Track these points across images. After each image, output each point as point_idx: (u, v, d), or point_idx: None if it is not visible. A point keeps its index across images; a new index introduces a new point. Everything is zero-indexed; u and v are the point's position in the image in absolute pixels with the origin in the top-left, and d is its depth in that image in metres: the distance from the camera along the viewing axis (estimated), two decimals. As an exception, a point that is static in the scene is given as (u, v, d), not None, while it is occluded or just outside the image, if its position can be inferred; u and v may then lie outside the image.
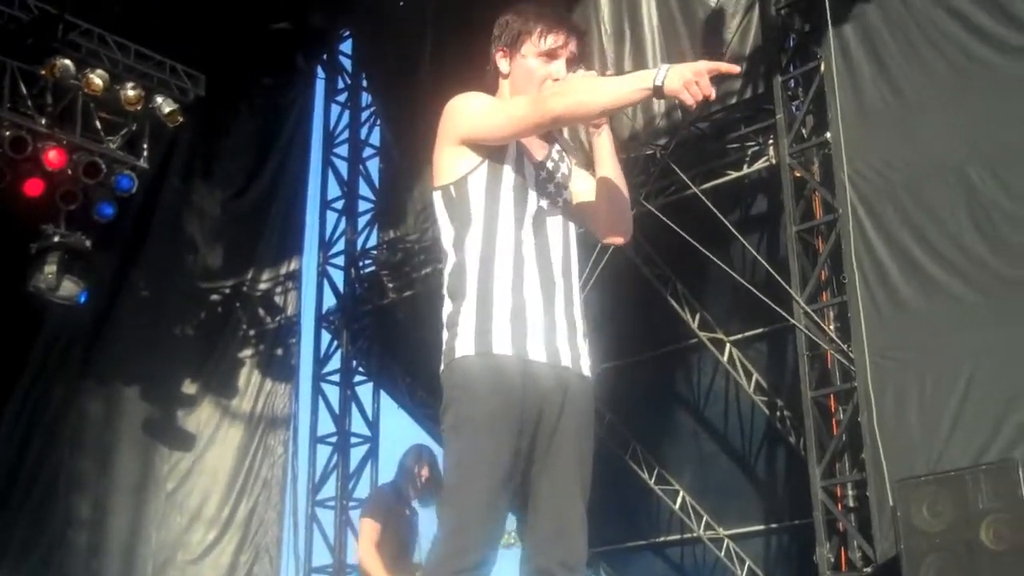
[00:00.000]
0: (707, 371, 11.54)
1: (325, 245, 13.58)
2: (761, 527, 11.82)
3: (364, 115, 13.78)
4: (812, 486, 9.05)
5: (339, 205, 13.69)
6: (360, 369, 13.33)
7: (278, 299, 13.09)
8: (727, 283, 10.22)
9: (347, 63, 13.97)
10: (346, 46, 13.95)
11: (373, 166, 13.62)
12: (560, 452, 3.23)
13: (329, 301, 13.47)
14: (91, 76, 9.57)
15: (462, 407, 3.18)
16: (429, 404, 12.28)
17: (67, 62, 9.45)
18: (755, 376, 11.06)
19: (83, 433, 11.71)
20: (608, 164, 3.52)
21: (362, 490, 12.79)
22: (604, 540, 12.32)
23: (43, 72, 9.45)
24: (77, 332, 11.62)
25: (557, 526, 3.21)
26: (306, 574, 12.62)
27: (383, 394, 13.33)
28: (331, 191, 13.72)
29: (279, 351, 13.03)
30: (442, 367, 3.27)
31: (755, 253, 9.99)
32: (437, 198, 3.40)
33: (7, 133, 9.31)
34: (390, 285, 12.39)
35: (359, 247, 13.44)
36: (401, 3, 11.98)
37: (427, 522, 7.55)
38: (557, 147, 3.51)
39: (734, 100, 9.89)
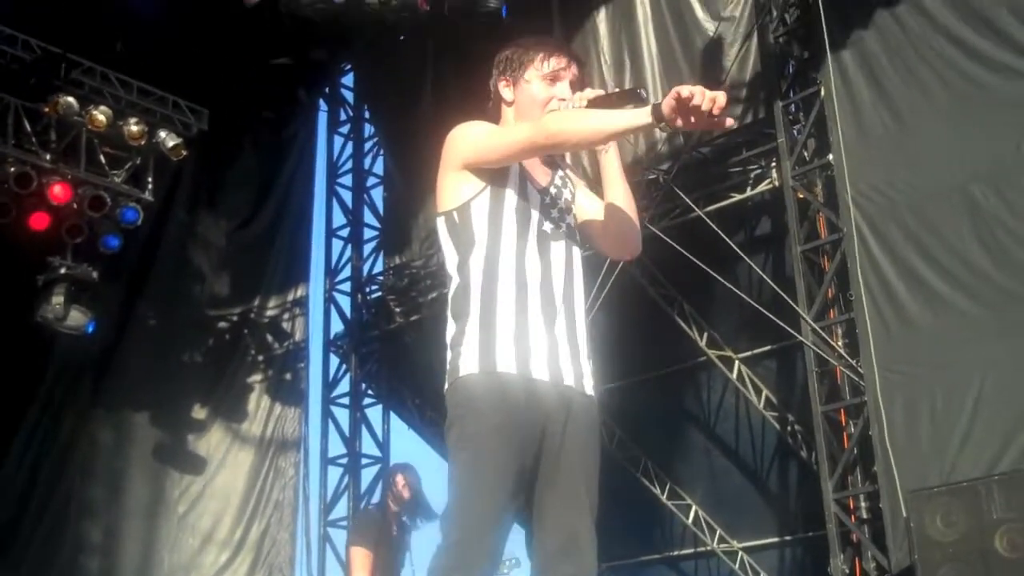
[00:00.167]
0: (716, 388, 11.59)
1: (331, 272, 13.67)
2: (775, 539, 11.85)
3: (367, 145, 13.88)
4: (825, 499, 9.10)
5: (344, 233, 13.78)
6: (369, 392, 13.39)
7: (286, 325, 13.13)
8: (733, 302, 10.27)
9: (349, 95, 14.09)
10: (347, 79, 14.06)
11: (377, 194, 13.76)
12: (566, 469, 3.24)
13: (336, 326, 13.57)
14: (94, 112, 9.64)
15: (466, 424, 3.20)
16: (438, 424, 12.30)
17: (70, 99, 9.52)
18: (765, 392, 11.11)
19: (94, 460, 11.74)
20: (615, 182, 3.56)
21: (374, 511, 12.82)
22: (617, 555, 12.36)
23: (47, 109, 9.53)
24: (86, 362, 11.65)
25: (566, 542, 3.20)
26: (319, 593, 12.66)
27: (392, 415, 13.39)
28: (336, 219, 13.84)
29: (288, 376, 13.07)
30: (446, 386, 3.29)
31: (761, 273, 10.04)
32: (441, 224, 3.44)
33: (12, 169, 9.37)
34: (397, 310, 12.44)
35: (365, 273, 13.51)
36: (401, 37, 12.01)
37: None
38: (560, 173, 3.54)
39: (735, 125, 9.92)
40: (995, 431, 8.11)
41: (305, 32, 10.77)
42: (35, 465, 11.37)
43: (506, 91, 3.52)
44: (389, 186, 13.41)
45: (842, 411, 9.30)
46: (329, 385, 13.44)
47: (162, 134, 9.99)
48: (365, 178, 13.82)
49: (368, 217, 13.71)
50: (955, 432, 8.29)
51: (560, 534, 3.22)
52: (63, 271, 9.80)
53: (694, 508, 12.07)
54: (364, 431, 13.30)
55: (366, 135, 13.90)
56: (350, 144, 13.98)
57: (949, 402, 8.36)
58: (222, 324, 12.83)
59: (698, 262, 9.81)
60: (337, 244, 13.76)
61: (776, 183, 9.89)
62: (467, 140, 3.39)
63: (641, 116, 3.12)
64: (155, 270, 12.17)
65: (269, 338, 13.04)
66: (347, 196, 13.88)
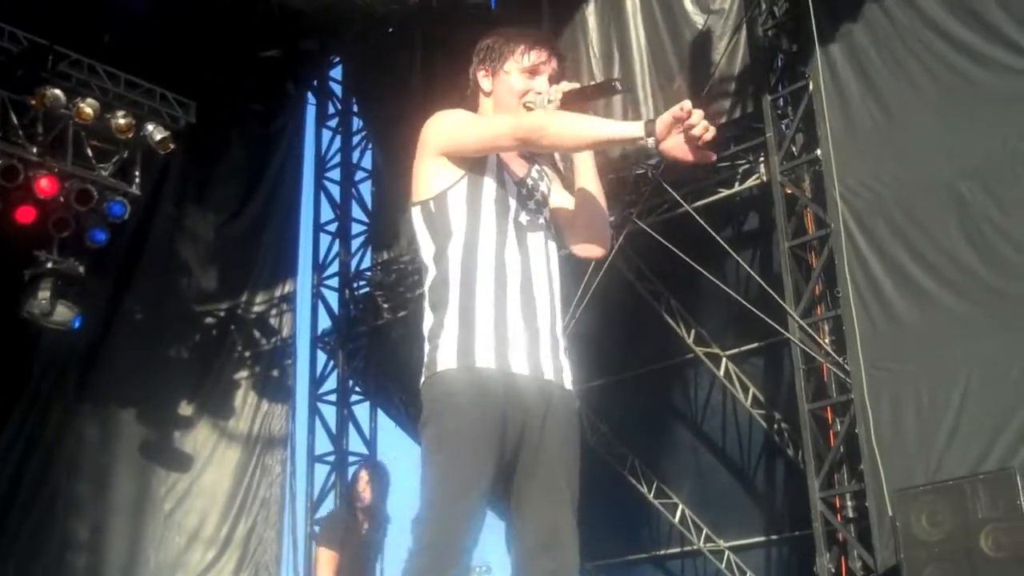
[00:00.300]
0: (704, 385, 11.59)
1: (319, 267, 13.63)
2: (761, 538, 11.86)
3: (355, 139, 13.82)
4: (811, 497, 9.10)
5: (332, 228, 13.73)
6: (357, 388, 13.35)
7: (273, 321, 13.10)
8: (721, 299, 10.26)
9: (337, 89, 14.03)
10: (336, 72, 14.03)
11: (365, 189, 13.69)
12: (546, 463, 3.22)
13: (324, 322, 13.52)
14: (82, 105, 9.58)
15: (443, 421, 3.16)
16: (426, 421, 12.30)
17: (57, 92, 9.46)
18: (752, 390, 11.11)
19: (80, 456, 11.68)
20: (588, 180, 3.56)
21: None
22: (604, 554, 12.34)
23: (33, 102, 9.47)
24: (72, 357, 11.61)
25: (547, 537, 3.19)
26: (306, 591, 12.62)
27: (380, 412, 13.36)
28: (324, 214, 13.78)
29: (275, 372, 13.04)
30: (423, 380, 3.26)
31: (748, 269, 10.04)
32: (416, 213, 3.41)
33: (-1, 162, 9.30)
34: (384, 305, 12.41)
35: (353, 269, 13.47)
36: (390, 29, 12.00)
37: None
38: (537, 167, 3.53)
39: (723, 119, 9.93)
40: (981, 429, 8.10)
41: (294, 24, 10.79)
42: (21, 461, 11.32)
43: (485, 81, 3.51)
44: (377, 181, 13.35)
45: (828, 409, 9.30)
46: (316, 382, 13.39)
47: (149, 127, 9.94)
48: (353, 172, 13.77)
49: (356, 212, 13.66)
50: (941, 430, 8.28)
51: (541, 529, 3.20)
52: (49, 265, 9.76)
53: (680, 507, 12.07)
54: (351, 428, 13.26)
55: (354, 129, 13.85)
56: (338, 138, 13.92)
57: (935, 399, 8.36)
58: (209, 319, 12.79)
59: (686, 258, 9.80)
60: (325, 239, 13.73)
61: (764, 178, 9.89)
62: (445, 128, 3.37)
63: (632, 128, 3.12)
64: (142, 264, 12.12)
65: (256, 334, 13.00)
66: (335, 190, 13.84)
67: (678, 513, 12.06)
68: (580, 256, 3.63)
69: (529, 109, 3.42)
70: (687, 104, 3.00)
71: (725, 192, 10.30)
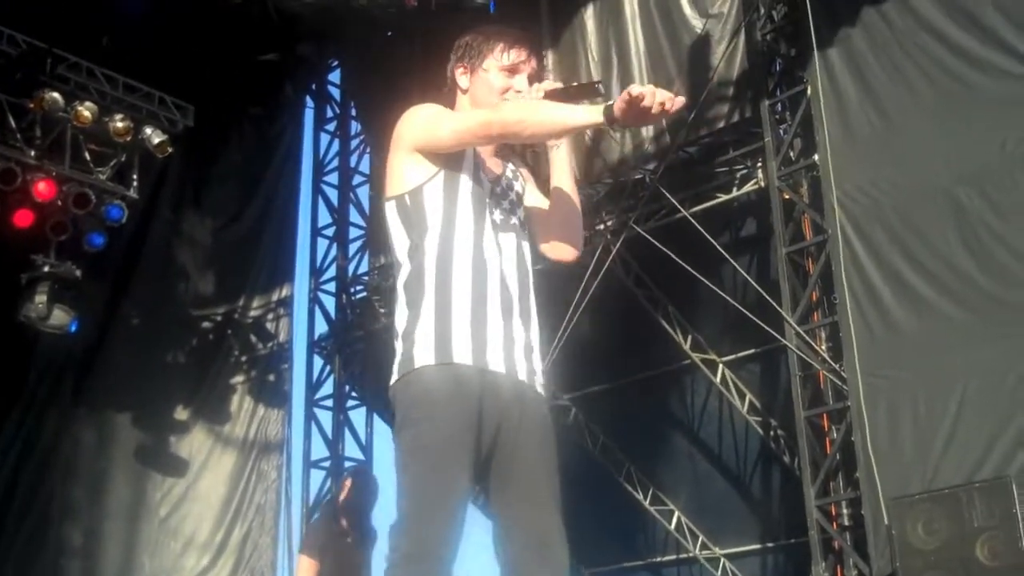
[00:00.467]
0: (700, 392, 11.58)
1: (316, 272, 13.61)
2: (757, 546, 11.85)
3: (353, 143, 13.80)
4: (807, 505, 9.09)
5: (330, 232, 13.72)
6: (353, 394, 13.32)
7: (270, 326, 13.08)
8: (718, 304, 10.26)
9: (336, 92, 14.02)
10: (335, 76, 14.02)
11: (363, 193, 13.67)
12: (524, 466, 3.19)
13: (321, 327, 13.51)
14: (80, 108, 9.58)
15: (421, 429, 3.11)
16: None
17: (55, 95, 9.46)
18: (748, 396, 11.10)
19: (76, 461, 11.66)
20: (563, 180, 3.54)
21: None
22: (600, 561, 12.34)
23: (32, 105, 9.46)
24: (69, 361, 11.59)
25: (536, 541, 3.15)
26: (301, 597, 12.57)
27: (376, 418, 13.32)
28: (322, 218, 13.77)
29: (271, 377, 13.02)
30: (396, 378, 3.21)
31: (746, 275, 10.03)
32: (391, 208, 3.37)
33: (-4, 165, 9.30)
34: (382, 310, 12.37)
35: (350, 273, 13.45)
36: (389, 33, 11.99)
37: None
38: (511, 166, 3.52)
39: (722, 124, 9.94)
40: (978, 437, 8.09)
41: (292, 28, 10.78)
42: (17, 465, 11.30)
43: (462, 78, 3.48)
44: (375, 185, 13.26)
45: (825, 416, 9.29)
46: (313, 387, 13.37)
47: (148, 130, 9.94)
48: (351, 176, 13.75)
49: (354, 216, 13.63)
50: (938, 437, 8.27)
51: (529, 534, 3.16)
52: (46, 269, 9.74)
53: (677, 514, 12.05)
54: (347, 434, 13.23)
55: (353, 133, 13.83)
56: (336, 142, 13.91)
57: (932, 407, 8.35)
58: (206, 324, 12.78)
59: (683, 263, 9.79)
60: (322, 243, 13.71)
61: (762, 183, 9.88)
62: (419, 122, 3.34)
63: (594, 114, 3.11)
64: (139, 269, 12.11)
65: (253, 338, 12.98)
66: (333, 195, 13.80)
67: (674, 520, 12.04)
68: (552, 258, 3.59)
69: None
70: (634, 90, 2.98)
71: (723, 197, 10.28)
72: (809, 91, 9.30)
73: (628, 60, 10.33)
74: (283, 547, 12.66)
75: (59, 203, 9.67)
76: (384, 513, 7.26)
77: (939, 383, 8.34)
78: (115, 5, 9.43)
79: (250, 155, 12.96)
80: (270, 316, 13.11)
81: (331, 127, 14.00)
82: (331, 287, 13.50)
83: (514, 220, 3.41)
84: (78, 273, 9.90)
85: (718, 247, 9.87)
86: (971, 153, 8.39)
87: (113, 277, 11.86)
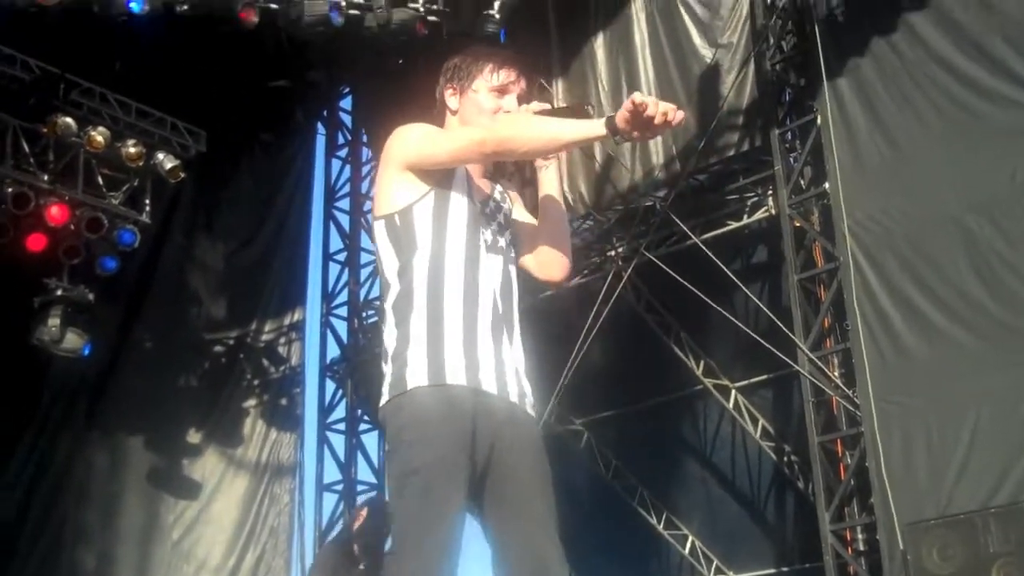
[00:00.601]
0: (713, 417, 11.55)
1: (328, 296, 13.66)
2: (772, 571, 11.76)
3: (365, 169, 13.82)
4: (822, 530, 9.08)
5: (341, 257, 13.76)
6: (365, 417, 13.32)
7: (282, 350, 13.09)
8: (730, 331, 10.25)
9: (347, 119, 14.08)
10: (346, 102, 14.08)
11: (374, 219, 13.64)
12: (522, 485, 3.15)
13: (333, 351, 13.55)
14: (93, 133, 9.62)
15: (414, 451, 3.06)
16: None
17: (68, 120, 9.51)
18: (761, 422, 11.07)
19: (88, 484, 11.67)
20: (552, 199, 3.52)
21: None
22: (614, 585, 12.29)
23: (45, 130, 9.51)
24: (81, 384, 11.61)
25: (535, 561, 3.09)
26: (313, 620, 12.56)
27: (388, 442, 13.29)
28: (333, 243, 13.83)
29: (283, 401, 13.02)
30: (386, 399, 3.17)
31: (757, 302, 10.03)
32: (380, 227, 3.32)
33: (10, 190, 9.35)
34: (393, 335, 12.37)
35: (362, 298, 13.49)
36: (400, 61, 12.05)
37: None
38: (499, 187, 3.49)
39: (732, 152, 9.95)
40: (992, 463, 8.09)
41: (303, 54, 10.82)
42: (30, 488, 11.31)
43: (452, 99, 3.45)
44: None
45: (839, 441, 9.29)
46: (325, 410, 13.41)
47: (160, 156, 9.98)
48: (362, 202, 13.75)
49: (365, 241, 13.63)
50: (952, 464, 8.26)
51: (526, 555, 3.11)
52: (59, 293, 9.76)
53: (691, 538, 11.98)
54: (360, 457, 13.24)
55: (364, 159, 13.86)
56: (348, 168, 13.97)
57: (945, 434, 8.34)
58: (218, 348, 12.79)
59: (695, 290, 9.79)
60: (334, 268, 13.74)
61: (773, 211, 9.91)
62: (412, 140, 3.31)
63: (595, 127, 3.08)
64: (152, 293, 12.14)
65: (265, 362, 12.99)
66: (344, 220, 13.85)
67: (688, 545, 11.97)
68: (540, 279, 3.56)
69: None
70: (637, 97, 2.96)
71: (734, 224, 10.30)
72: (819, 120, 9.33)
73: (637, 88, 10.29)
74: (296, 570, 12.65)
75: (72, 227, 9.71)
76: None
77: (952, 410, 8.34)
78: (128, 32, 9.46)
79: (261, 180, 13.00)
80: (282, 340, 13.12)
81: (342, 153, 14.06)
82: (343, 311, 13.54)
83: (502, 241, 3.38)
84: (91, 297, 9.92)
85: (729, 274, 9.87)
86: (981, 182, 8.40)
87: (126, 301, 11.89)
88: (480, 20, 9.86)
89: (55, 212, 9.57)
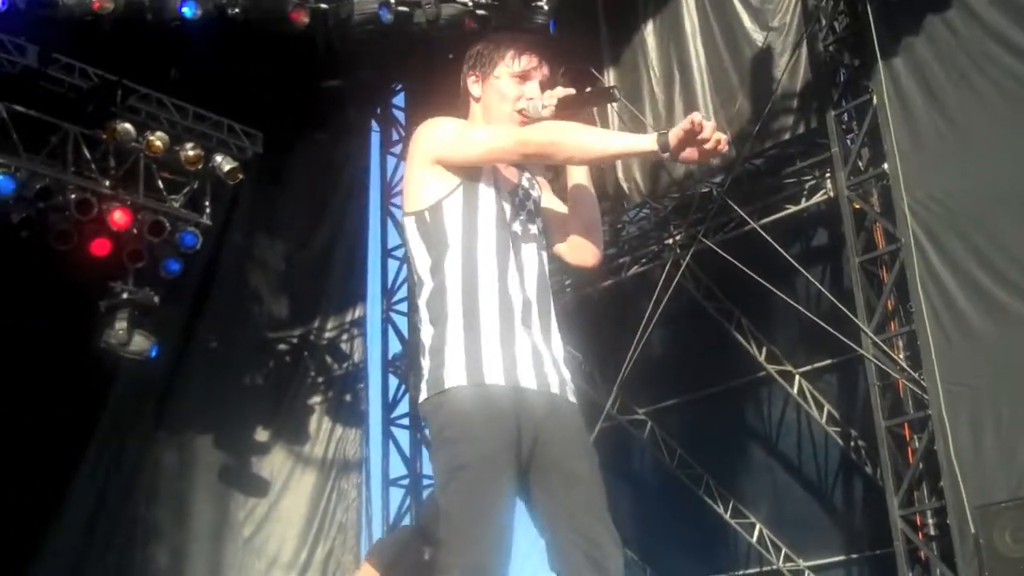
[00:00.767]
0: (777, 404, 11.48)
1: (388, 292, 13.69)
2: (841, 558, 11.70)
3: (420, 165, 13.82)
4: (891, 515, 9.02)
5: (400, 253, 13.73)
6: (431, 411, 13.34)
7: (344, 346, 13.15)
8: (792, 316, 10.19)
9: (400, 116, 14.07)
10: (398, 99, 14.05)
11: (431, 213, 13.67)
12: (571, 476, 3.14)
13: (395, 347, 13.57)
14: (151, 138, 9.72)
15: (459, 448, 3.06)
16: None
17: (127, 126, 9.61)
18: (826, 407, 10.99)
19: (159, 484, 11.80)
20: (582, 186, 3.49)
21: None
22: (682, 574, 12.25)
23: (104, 136, 9.61)
24: (149, 386, 11.72)
25: (590, 549, 3.08)
26: (385, 614, 12.62)
27: (452, 434, 13.33)
28: (391, 239, 13.80)
29: (348, 397, 13.08)
30: (425, 396, 3.16)
31: (819, 285, 9.94)
32: (410, 223, 3.32)
33: (73, 196, 9.45)
34: (454, 328, 12.42)
35: (421, 293, 13.49)
36: (451, 56, 12.08)
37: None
38: (527, 174, 3.47)
39: (787, 136, 9.87)
40: (1063, 443, 7.96)
41: (355, 53, 10.82)
42: (102, 490, 11.47)
43: (474, 87, 3.43)
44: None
45: (906, 425, 9.21)
46: (389, 406, 13.45)
47: (218, 158, 10.06)
48: (419, 198, 13.79)
49: (424, 236, 13.67)
50: (1021, 445, 8.15)
51: (580, 545, 3.09)
52: (125, 296, 9.83)
53: (758, 526, 11.93)
54: (425, 451, 13.27)
55: (419, 155, 13.87)
56: (403, 164, 13.97)
57: (1015, 414, 8.24)
58: (282, 346, 12.88)
59: (755, 275, 9.72)
60: (393, 264, 13.76)
61: (831, 193, 9.81)
62: (443, 135, 3.29)
63: (645, 142, 3.06)
64: (214, 294, 12.23)
65: (328, 359, 13.06)
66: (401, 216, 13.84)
67: (756, 533, 11.92)
68: (573, 265, 3.56)
69: (524, 116, 3.34)
70: (696, 117, 2.95)
71: (792, 208, 10.23)
72: (875, 100, 9.22)
73: (690, 75, 10.29)
74: (366, 565, 12.71)
75: (135, 231, 9.78)
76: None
77: (1021, 389, 8.21)
78: (181, 36, 9.55)
79: (318, 179, 13.04)
80: (344, 337, 13.18)
81: (397, 150, 14.03)
82: (403, 307, 13.56)
83: (533, 229, 3.38)
84: (156, 299, 10.01)
85: (789, 258, 9.79)
86: (1044, 158, 8.25)
87: (189, 303, 11.99)
88: (528, 12, 9.84)
89: (118, 217, 9.66)
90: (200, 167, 10.05)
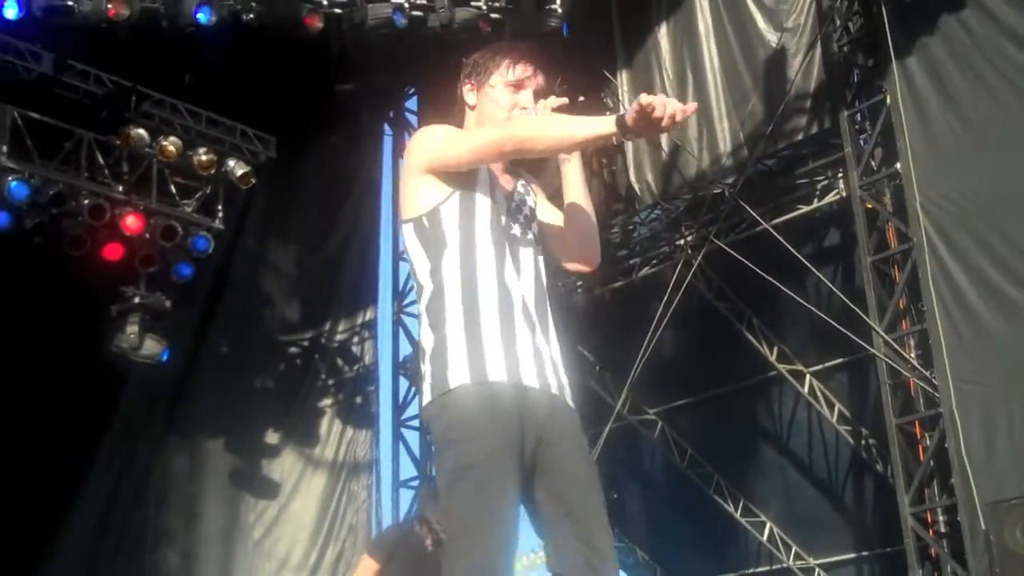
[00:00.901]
0: (788, 403, 11.52)
1: (399, 295, 13.73)
2: (852, 555, 11.75)
3: (432, 169, 13.84)
4: (902, 513, 9.03)
5: (411, 256, 13.76)
6: (440, 414, 13.37)
7: (355, 349, 13.17)
8: (803, 315, 10.22)
9: (414, 120, 14.05)
10: (411, 103, 14.07)
11: (443, 216, 13.68)
12: (572, 479, 3.18)
13: (405, 349, 13.58)
14: (165, 143, 9.75)
15: (463, 448, 3.06)
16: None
17: (141, 131, 9.65)
18: (837, 406, 11.03)
19: (169, 487, 11.83)
20: (577, 192, 3.52)
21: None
22: (692, 573, 12.30)
23: (118, 142, 9.64)
24: (160, 390, 11.73)
25: (590, 552, 3.12)
26: (394, 616, 12.65)
27: (463, 437, 13.36)
28: (402, 242, 13.76)
29: (358, 399, 13.10)
30: (429, 399, 3.16)
31: (831, 285, 9.97)
32: (408, 230, 3.35)
33: (86, 202, 9.48)
34: (465, 331, 12.45)
35: (433, 295, 13.51)
36: (463, 59, 12.12)
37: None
38: (522, 181, 3.51)
39: (800, 136, 9.90)
40: (1075, 441, 8.00)
41: (368, 57, 10.84)
42: (112, 493, 11.49)
43: (470, 95, 3.48)
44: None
45: (917, 423, 9.23)
46: (399, 408, 13.48)
47: (231, 163, 10.08)
48: (431, 201, 13.81)
49: (435, 239, 13.69)
50: (1033, 443, 8.17)
51: (580, 547, 3.13)
52: (137, 300, 9.85)
53: (768, 525, 11.98)
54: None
55: (431, 159, 13.89)
56: (409, 170, 14.00)
57: (1026, 412, 8.25)
58: (293, 349, 12.91)
59: (766, 276, 9.76)
60: (404, 267, 13.73)
61: (844, 193, 9.85)
62: (429, 144, 3.35)
63: (605, 125, 3.07)
64: (226, 298, 12.25)
65: (339, 362, 13.09)
66: (413, 218, 13.87)
67: (766, 531, 11.97)
68: (570, 271, 3.61)
69: None
70: (643, 98, 2.95)
71: (804, 208, 10.26)
72: (888, 100, 9.25)
73: (703, 76, 10.31)
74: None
75: (147, 236, 9.81)
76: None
77: (1032, 388, 8.24)
78: (196, 42, 9.57)
79: (330, 183, 13.06)
80: (355, 339, 13.20)
81: (410, 154, 14.04)
82: (414, 309, 13.51)
83: (530, 235, 3.41)
84: (168, 303, 10.04)
85: (801, 258, 9.83)
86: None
87: (201, 307, 12.01)
88: (542, 14, 9.87)
89: (131, 222, 9.69)
90: (213, 172, 10.07)
